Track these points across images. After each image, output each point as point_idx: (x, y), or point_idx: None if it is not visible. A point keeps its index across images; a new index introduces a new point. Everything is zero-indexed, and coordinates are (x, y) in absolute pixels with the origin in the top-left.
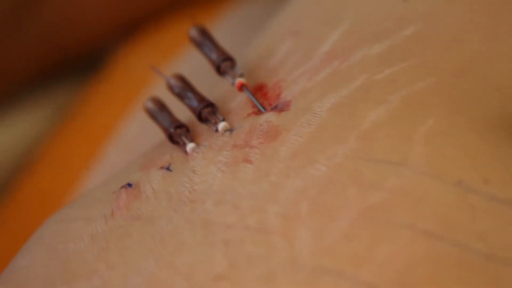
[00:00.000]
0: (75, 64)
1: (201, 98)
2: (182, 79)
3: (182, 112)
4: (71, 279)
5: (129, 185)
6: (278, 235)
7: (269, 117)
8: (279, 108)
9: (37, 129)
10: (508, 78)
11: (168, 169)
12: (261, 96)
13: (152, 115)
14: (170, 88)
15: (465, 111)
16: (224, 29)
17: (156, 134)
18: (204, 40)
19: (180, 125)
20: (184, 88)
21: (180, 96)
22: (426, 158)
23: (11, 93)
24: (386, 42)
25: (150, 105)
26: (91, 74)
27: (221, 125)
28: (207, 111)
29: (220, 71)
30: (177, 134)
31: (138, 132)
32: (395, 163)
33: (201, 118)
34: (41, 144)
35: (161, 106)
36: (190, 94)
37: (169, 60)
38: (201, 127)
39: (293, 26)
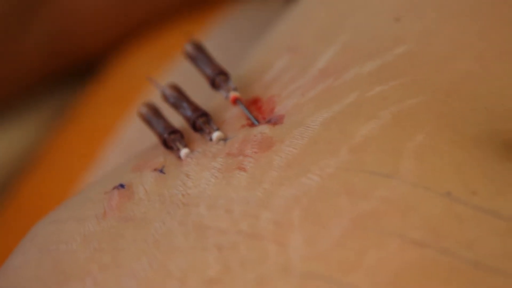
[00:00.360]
0: (74, 68)
1: (195, 108)
2: (176, 89)
3: (176, 117)
4: (64, 280)
5: (122, 186)
6: (270, 240)
7: (263, 129)
8: (273, 121)
9: (37, 131)
10: (496, 97)
11: (161, 171)
12: (255, 110)
13: (146, 120)
14: (165, 98)
15: (454, 128)
16: (216, 39)
17: (154, 136)
18: (199, 55)
19: (174, 131)
20: (178, 98)
21: (175, 106)
22: (416, 170)
23: (11, 96)
24: (378, 60)
25: (145, 110)
26: (90, 77)
27: (215, 135)
28: (201, 121)
29: (214, 85)
30: (171, 139)
31: (136, 134)
32: (385, 174)
33: (196, 128)
34: (41, 146)
35: (156, 111)
36: (184, 104)
37: (166, 65)
38: (195, 134)
39: (290, 41)
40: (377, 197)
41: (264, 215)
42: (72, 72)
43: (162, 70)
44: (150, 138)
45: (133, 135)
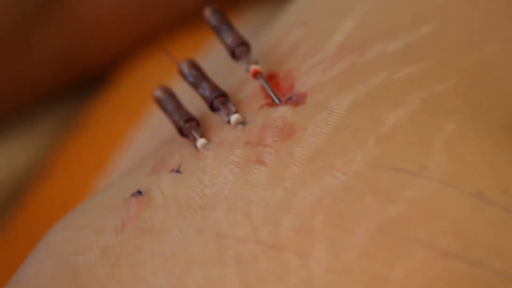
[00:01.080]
0: (85, 77)
1: (214, 88)
2: (195, 67)
3: (192, 105)
4: None
5: (139, 192)
6: (292, 251)
7: (284, 111)
8: (294, 100)
9: (48, 139)
10: None
11: (178, 171)
12: (273, 86)
13: (161, 105)
14: (183, 76)
15: (483, 116)
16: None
17: (166, 136)
18: (221, 24)
19: (190, 119)
20: (197, 76)
21: (193, 85)
22: (445, 166)
23: (23, 106)
24: (403, 39)
25: (159, 93)
26: (101, 86)
27: (234, 118)
28: (219, 101)
29: (234, 55)
30: (187, 128)
31: (147, 141)
32: (413, 171)
33: (213, 108)
34: (53, 153)
35: (171, 96)
36: (203, 83)
37: (176, 75)
38: (211, 120)
39: (302, 16)
40: (404, 199)
41: (285, 221)
42: (83, 80)
43: (172, 78)
44: (159, 137)
45: (143, 143)
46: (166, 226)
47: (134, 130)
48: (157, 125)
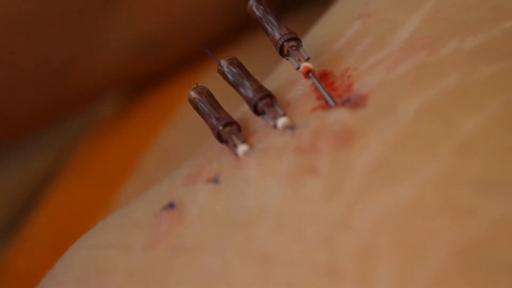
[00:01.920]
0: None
1: (258, 87)
2: (237, 64)
3: (232, 106)
4: None
5: (171, 205)
6: (354, 278)
7: (341, 114)
8: (353, 102)
9: (73, 138)
10: None
11: (215, 181)
12: (327, 86)
13: (196, 106)
14: (223, 74)
15: None
16: None
17: (196, 140)
18: (267, 17)
19: (230, 122)
20: (239, 75)
21: (234, 85)
22: None
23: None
24: (481, 35)
25: (194, 95)
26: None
27: (281, 121)
28: (264, 103)
29: (283, 52)
30: (227, 132)
31: (175, 138)
32: (496, 185)
33: (257, 111)
34: (77, 154)
35: (209, 97)
36: (246, 82)
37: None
38: (255, 124)
39: (362, 8)
40: (487, 217)
41: (344, 242)
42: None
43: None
44: (189, 141)
45: (171, 140)
46: (202, 245)
47: (163, 129)
48: (189, 128)
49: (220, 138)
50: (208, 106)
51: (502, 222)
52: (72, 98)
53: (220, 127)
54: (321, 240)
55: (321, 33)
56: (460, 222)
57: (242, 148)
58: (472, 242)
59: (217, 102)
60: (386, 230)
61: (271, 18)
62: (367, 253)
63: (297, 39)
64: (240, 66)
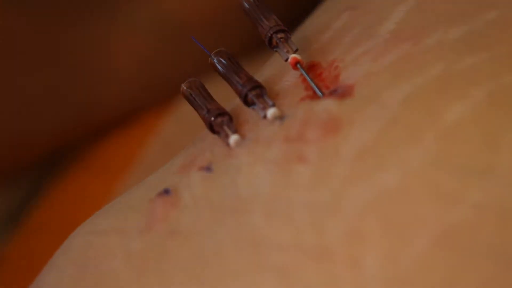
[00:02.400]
0: None
1: (247, 79)
2: (227, 56)
3: (223, 97)
4: None
5: (166, 191)
6: (342, 260)
7: (328, 104)
8: (340, 93)
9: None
10: None
11: (208, 169)
12: (315, 77)
13: (189, 99)
14: (214, 66)
15: None
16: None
17: (197, 132)
18: (255, 8)
19: (222, 113)
20: (229, 66)
21: (225, 76)
22: None
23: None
24: (465, 26)
25: (185, 88)
26: None
27: (271, 112)
28: (254, 94)
29: (271, 43)
30: (218, 123)
31: (178, 131)
32: (479, 172)
33: (247, 102)
34: (81, 145)
35: (200, 89)
36: (235, 74)
37: None
38: (245, 115)
39: (350, 2)
40: (470, 202)
41: (334, 226)
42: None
43: None
44: (190, 133)
45: (172, 132)
46: (196, 230)
47: (165, 118)
48: (191, 120)
49: (212, 128)
50: (200, 98)
51: (485, 208)
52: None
53: (212, 118)
54: (310, 224)
55: (310, 26)
56: (445, 208)
57: (233, 138)
58: (456, 227)
59: (209, 94)
60: (373, 215)
61: (259, 11)
62: (356, 236)
63: (286, 31)
64: (230, 58)
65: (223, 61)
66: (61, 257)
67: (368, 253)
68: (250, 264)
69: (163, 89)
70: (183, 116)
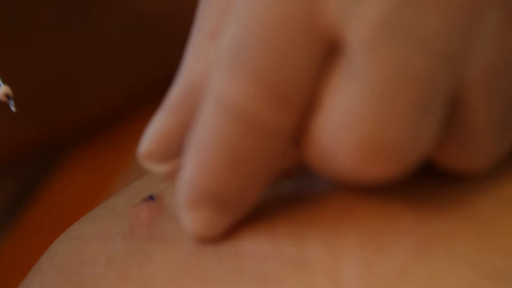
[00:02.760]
0: None
1: None
2: None
3: None
4: None
5: (151, 197)
6: (321, 274)
7: None
8: None
9: None
10: None
11: None
12: None
13: None
14: None
15: None
16: None
17: None
18: None
19: None
20: None
21: None
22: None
23: None
24: None
25: None
26: None
27: None
28: None
29: None
30: None
31: None
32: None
33: None
34: (75, 145)
35: None
36: None
37: None
38: None
39: None
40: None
41: (313, 237)
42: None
43: None
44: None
45: None
46: (179, 236)
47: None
48: None
49: None
50: None
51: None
52: None
53: None
54: (290, 235)
55: None
56: (423, 214)
57: None
58: (435, 236)
59: None
60: (352, 225)
61: None
62: (334, 248)
63: None
64: None
65: None
66: (45, 263)
67: (346, 263)
68: (230, 272)
69: (155, 89)
70: None
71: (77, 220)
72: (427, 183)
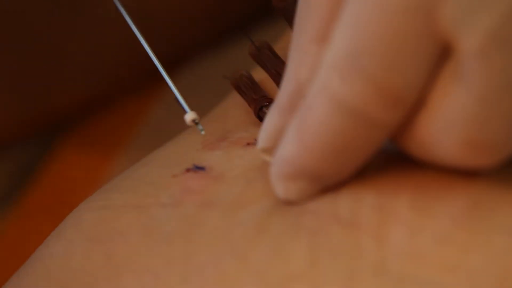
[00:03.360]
0: None
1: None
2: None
3: None
4: (117, 274)
5: (199, 167)
6: (369, 234)
7: None
8: None
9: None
10: None
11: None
12: None
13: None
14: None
15: None
16: None
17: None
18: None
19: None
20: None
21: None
22: None
23: None
24: None
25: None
26: None
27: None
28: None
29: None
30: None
31: (164, 112)
32: None
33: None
34: (74, 124)
35: (248, 79)
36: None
37: None
38: None
39: None
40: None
41: (367, 198)
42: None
43: None
44: (179, 115)
45: (164, 111)
46: (237, 203)
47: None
48: None
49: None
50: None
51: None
52: None
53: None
54: (347, 195)
55: None
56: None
57: None
58: (480, 206)
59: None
60: (406, 188)
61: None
62: (387, 210)
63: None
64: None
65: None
66: (70, 230)
67: (394, 228)
68: (289, 227)
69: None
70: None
71: (79, 197)
72: None
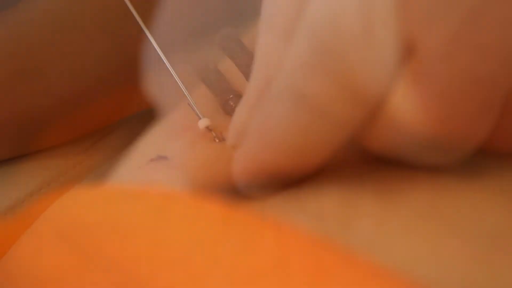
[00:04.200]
0: None
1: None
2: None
3: None
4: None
5: (162, 157)
6: (335, 226)
7: None
8: None
9: None
10: None
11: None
12: None
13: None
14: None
15: None
16: None
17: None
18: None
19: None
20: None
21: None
22: None
23: None
24: None
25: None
26: None
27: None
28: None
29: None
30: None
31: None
32: None
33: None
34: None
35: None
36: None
37: None
38: None
39: None
40: None
41: (333, 194)
42: None
43: None
44: None
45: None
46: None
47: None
48: None
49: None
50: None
51: None
52: None
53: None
54: (311, 189)
55: None
56: None
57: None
58: (441, 200)
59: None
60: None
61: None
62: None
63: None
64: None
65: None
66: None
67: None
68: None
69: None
70: None
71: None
72: None
